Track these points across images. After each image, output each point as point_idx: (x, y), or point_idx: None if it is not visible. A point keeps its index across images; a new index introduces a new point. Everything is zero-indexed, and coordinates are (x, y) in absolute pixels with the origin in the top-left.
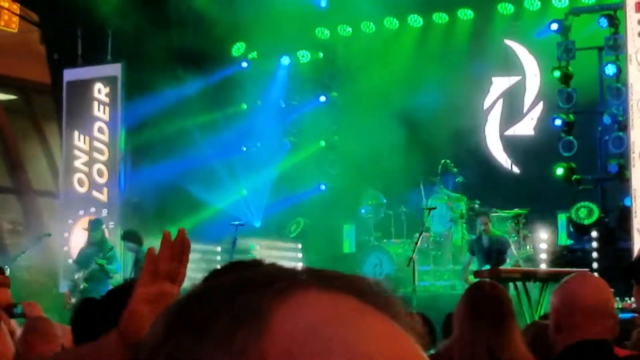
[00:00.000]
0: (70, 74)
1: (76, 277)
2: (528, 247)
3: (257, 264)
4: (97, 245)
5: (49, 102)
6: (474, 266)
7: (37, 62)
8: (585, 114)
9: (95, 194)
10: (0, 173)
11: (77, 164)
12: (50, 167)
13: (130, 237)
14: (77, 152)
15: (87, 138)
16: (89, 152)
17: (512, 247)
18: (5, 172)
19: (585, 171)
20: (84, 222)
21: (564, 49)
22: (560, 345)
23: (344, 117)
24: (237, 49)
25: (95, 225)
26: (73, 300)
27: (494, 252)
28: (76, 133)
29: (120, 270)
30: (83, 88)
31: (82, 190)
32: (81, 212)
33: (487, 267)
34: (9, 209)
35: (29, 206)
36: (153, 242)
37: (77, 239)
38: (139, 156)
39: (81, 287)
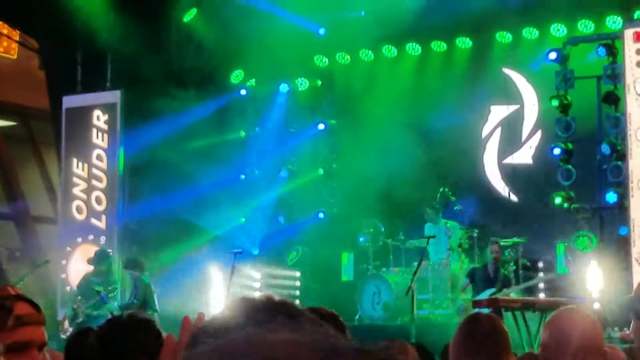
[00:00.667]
0: (69, 101)
1: (76, 305)
2: (531, 275)
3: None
4: (102, 276)
5: (48, 129)
6: (468, 295)
7: (37, 88)
8: (583, 142)
9: (93, 221)
10: None
11: (76, 191)
12: (49, 194)
13: (132, 265)
14: (75, 180)
15: (86, 165)
16: (88, 180)
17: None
18: (3, 198)
19: (583, 200)
20: (82, 250)
21: (563, 77)
22: None
23: (343, 144)
24: (236, 76)
25: (101, 258)
26: (70, 328)
27: (498, 283)
28: (74, 160)
29: (117, 309)
30: (82, 115)
31: (80, 217)
32: (79, 240)
33: (490, 291)
34: (7, 236)
35: (27, 233)
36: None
37: (75, 266)
38: (137, 183)
39: (80, 319)
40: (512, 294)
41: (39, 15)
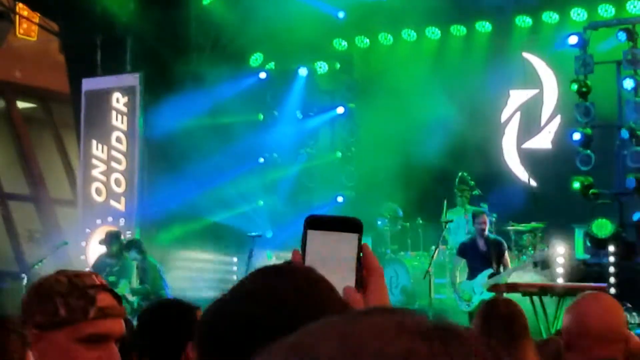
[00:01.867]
0: (88, 84)
1: None
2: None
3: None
4: (114, 257)
5: (68, 111)
6: (462, 271)
7: (57, 71)
8: (603, 128)
9: (113, 203)
10: (18, 181)
11: (95, 173)
12: (69, 176)
13: (133, 246)
14: (95, 162)
15: (105, 147)
16: (107, 162)
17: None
18: (23, 180)
19: (602, 185)
20: (101, 232)
21: (582, 62)
22: None
23: (361, 128)
24: (255, 59)
25: (110, 239)
26: None
27: (493, 256)
28: (94, 142)
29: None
30: (101, 97)
31: (100, 199)
32: (99, 222)
33: (488, 271)
34: (27, 218)
35: (47, 215)
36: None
37: (95, 248)
38: (156, 165)
39: None
40: (514, 273)
41: None
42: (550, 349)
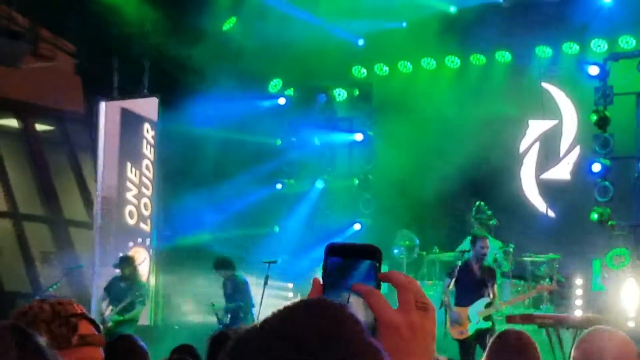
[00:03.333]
0: (106, 106)
1: (104, 309)
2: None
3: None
4: (128, 280)
5: (84, 133)
6: (506, 311)
7: (74, 93)
8: (621, 159)
9: (142, 225)
10: (33, 202)
11: (129, 196)
12: (83, 198)
13: (222, 264)
14: (129, 184)
15: (138, 172)
16: (139, 186)
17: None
18: (38, 201)
19: (620, 217)
20: (134, 253)
21: (602, 94)
22: None
23: (379, 156)
24: (274, 85)
25: (124, 262)
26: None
27: (487, 284)
28: (129, 165)
29: (138, 314)
30: (135, 124)
31: (131, 222)
32: (130, 244)
33: (485, 300)
34: (42, 239)
35: (62, 236)
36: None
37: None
38: (173, 190)
39: (108, 325)
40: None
41: (76, 20)
42: None
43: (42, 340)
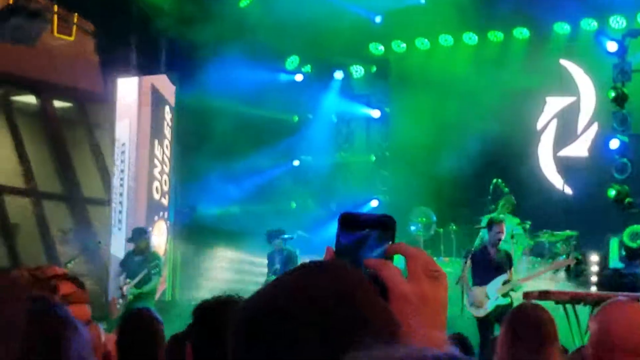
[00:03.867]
0: (124, 83)
1: (122, 285)
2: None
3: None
4: (142, 253)
5: (102, 111)
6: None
7: (92, 71)
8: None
9: (163, 200)
10: (51, 180)
11: (156, 172)
12: (102, 176)
13: (275, 234)
14: (156, 161)
15: (160, 148)
16: (162, 162)
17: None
18: (56, 179)
19: (638, 194)
20: (158, 226)
21: (620, 70)
22: None
23: (396, 132)
24: (291, 62)
25: (138, 235)
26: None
27: (505, 265)
28: (156, 142)
29: (156, 285)
30: (158, 103)
31: (157, 197)
32: (156, 218)
33: (503, 277)
34: (60, 217)
35: (80, 214)
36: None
37: (156, 241)
38: (190, 167)
39: (128, 298)
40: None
41: None
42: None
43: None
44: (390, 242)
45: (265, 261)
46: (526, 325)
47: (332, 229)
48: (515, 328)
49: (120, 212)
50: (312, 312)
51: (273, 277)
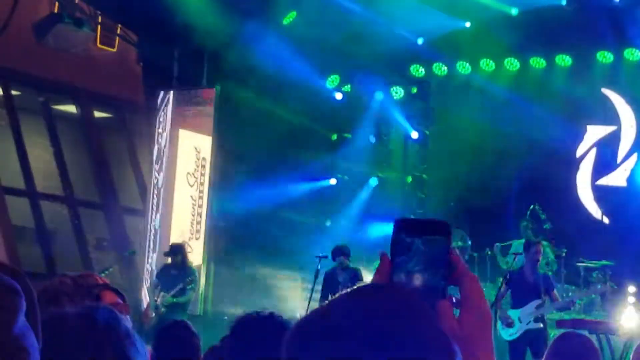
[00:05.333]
0: (166, 95)
1: (156, 298)
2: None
3: None
4: (178, 269)
5: (142, 122)
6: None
7: (133, 82)
8: None
9: (199, 216)
10: (89, 188)
11: (193, 187)
12: (139, 186)
13: (341, 251)
14: (193, 177)
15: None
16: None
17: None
18: (94, 187)
19: None
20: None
21: None
22: None
23: (434, 155)
24: (332, 81)
25: (175, 249)
26: (153, 321)
27: (541, 287)
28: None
29: (190, 299)
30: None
31: (194, 211)
32: (192, 233)
33: (536, 301)
34: (97, 225)
35: (116, 223)
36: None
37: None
38: (227, 178)
39: (161, 310)
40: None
41: (139, 8)
42: None
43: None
44: (449, 249)
45: (303, 277)
46: (573, 354)
47: (367, 251)
48: (562, 356)
49: (154, 224)
50: (369, 332)
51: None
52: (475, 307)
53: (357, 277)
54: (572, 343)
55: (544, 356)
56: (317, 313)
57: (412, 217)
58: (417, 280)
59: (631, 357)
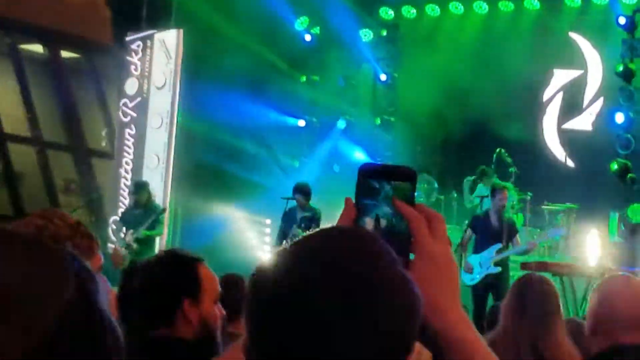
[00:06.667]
0: (132, 37)
1: (124, 236)
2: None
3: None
4: (143, 207)
5: (110, 64)
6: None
7: (102, 23)
8: None
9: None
10: (57, 130)
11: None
12: (107, 128)
13: (301, 189)
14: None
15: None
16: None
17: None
18: (62, 129)
19: None
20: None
21: (629, 46)
22: (594, 348)
23: (402, 97)
24: (301, 22)
25: (138, 188)
26: (126, 261)
27: (504, 233)
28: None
29: (162, 232)
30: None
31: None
32: (158, 171)
33: (496, 246)
34: (64, 167)
35: (84, 166)
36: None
37: None
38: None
39: (134, 247)
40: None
41: None
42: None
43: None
44: (412, 195)
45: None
46: (533, 297)
47: (333, 193)
48: (522, 299)
49: (127, 165)
50: (330, 274)
51: (293, 238)
52: (424, 250)
53: (314, 218)
54: (532, 285)
55: (505, 298)
56: (279, 254)
57: (377, 162)
58: (385, 225)
59: (589, 297)
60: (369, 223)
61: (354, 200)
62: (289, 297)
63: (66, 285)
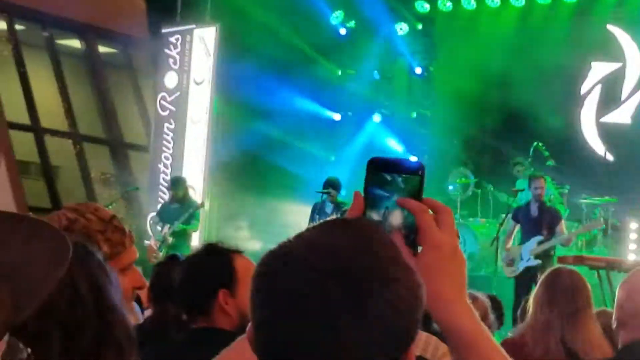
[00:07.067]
0: (169, 29)
1: (161, 231)
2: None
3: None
4: (180, 202)
5: (147, 57)
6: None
7: (137, 17)
8: None
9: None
10: (94, 124)
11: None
12: (143, 122)
13: (332, 184)
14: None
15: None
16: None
17: (564, 222)
18: (98, 123)
19: None
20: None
21: None
22: (620, 340)
23: (438, 91)
24: (336, 17)
25: (175, 183)
26: (160, 254)
27: (544, 224)
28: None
29: (197, 228)
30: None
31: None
32: (197, 167)
33: (538, 238)
34: (101, 160)
35: (120, 159)
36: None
37: None
38: (229, 112)
39: (170, 241)
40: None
41: None
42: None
43: (100, 252)
44: (421, 189)
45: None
46: (561, 290)
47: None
48: (552, 293)
49: (166, 160)
50: (332, 264)
51: None
52: (429, 241)
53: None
54: (561, 278)
55: (534, 291)
56: (283, 245)
57: (386, 155)
58: (395, 217)
59: (617, 290)
60: (377, 215)
61: (363, 194)
62: (292, 287)
63: (61, 268)
